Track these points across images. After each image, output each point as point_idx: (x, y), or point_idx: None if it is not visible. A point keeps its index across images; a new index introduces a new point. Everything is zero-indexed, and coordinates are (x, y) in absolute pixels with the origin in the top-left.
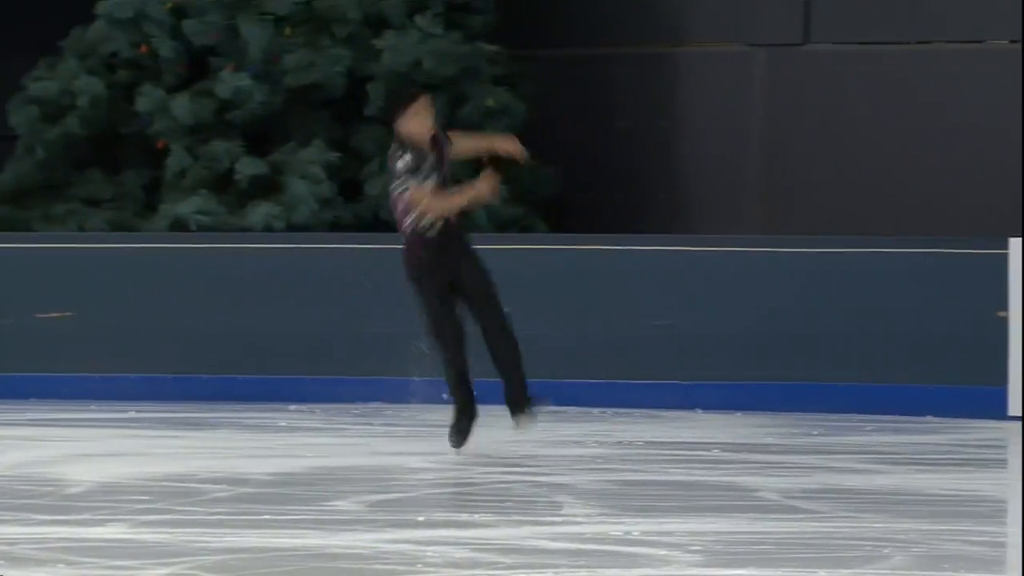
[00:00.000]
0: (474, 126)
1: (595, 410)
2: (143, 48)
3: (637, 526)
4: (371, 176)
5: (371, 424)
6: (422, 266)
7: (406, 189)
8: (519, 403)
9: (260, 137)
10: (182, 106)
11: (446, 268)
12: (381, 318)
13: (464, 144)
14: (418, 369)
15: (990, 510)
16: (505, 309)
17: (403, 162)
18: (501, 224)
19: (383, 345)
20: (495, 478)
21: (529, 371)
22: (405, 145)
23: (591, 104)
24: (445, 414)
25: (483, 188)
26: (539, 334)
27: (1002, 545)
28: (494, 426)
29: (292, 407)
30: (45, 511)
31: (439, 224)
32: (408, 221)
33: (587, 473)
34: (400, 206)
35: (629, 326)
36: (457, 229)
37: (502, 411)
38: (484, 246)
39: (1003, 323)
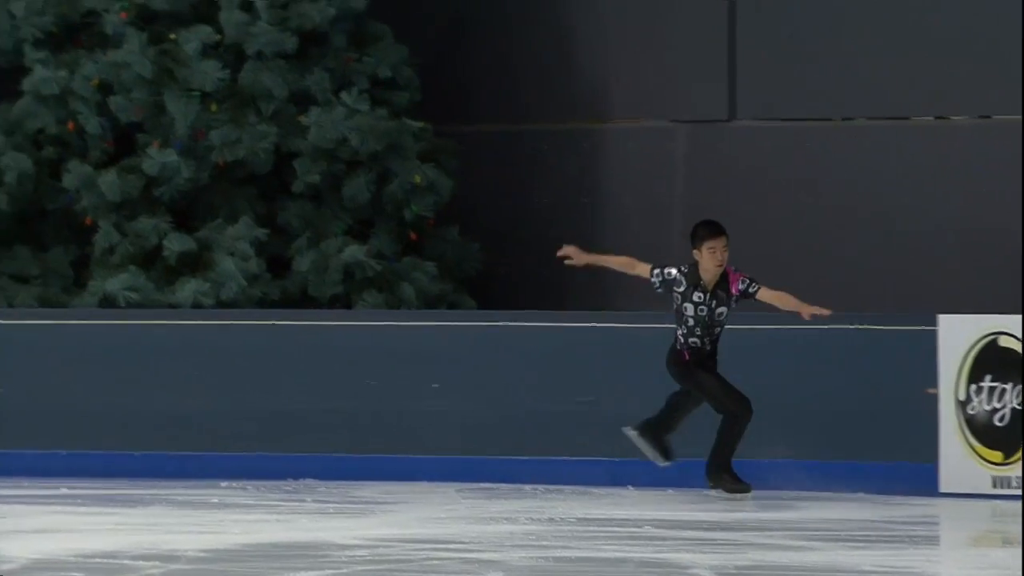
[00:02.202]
0: (400, 202)
1: (526, 486)
2: (70, 124)
3: None
4: (298, 252)
5: (303, 500)
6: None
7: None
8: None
9: (187, 213)
10: (109, 182)
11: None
12: (311, 395)
13: (771, 296)
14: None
15: None
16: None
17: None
18: (428, 300)
19: (315, 421)
20: (426, 555)
21: (453, 447)
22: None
23: (515, 180)
24: (375, 490)
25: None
26: (467, 410)
27: None
28: (425, 503)
29: (223, 483)
30: None
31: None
32: (680, 331)
33: (519, 550)
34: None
35: (556, 402)
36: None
37: (432, 488)
38: (410, 322)
39: (933, 399)
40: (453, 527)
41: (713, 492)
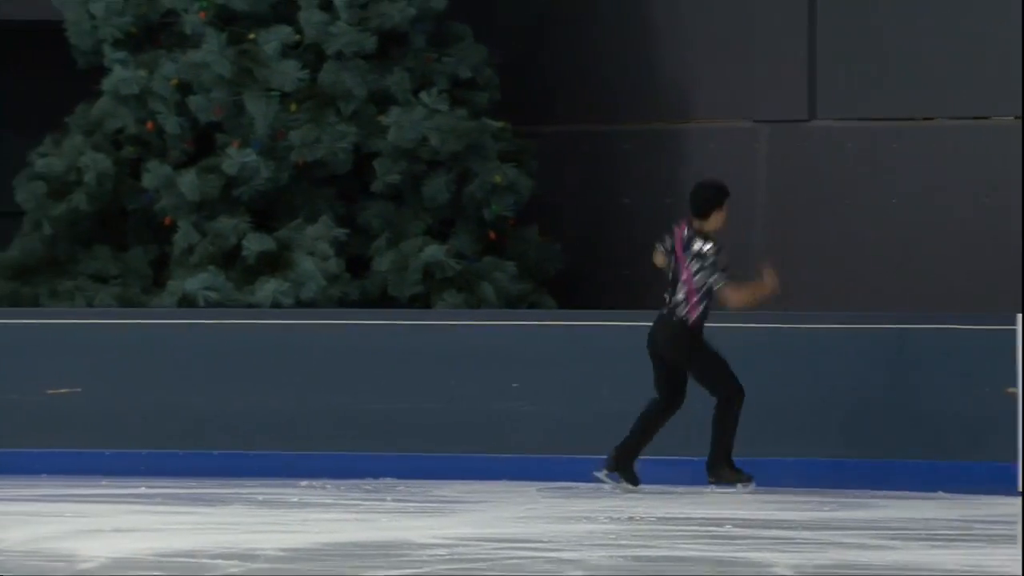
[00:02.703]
0: (480, 202)
1: (606, 485)
2: (149, 124)
3: None
4: (378, 252)
5: (382, 499)
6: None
7: (713, 281)
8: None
9: (266, 213)
10: (188, 182)
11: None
12: (390, 394)
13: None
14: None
15: None
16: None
17: (712, 255)
18: (508, 300)
19: (394, 420)
20: (505, 554)
21: (533, 446)
22: (708, 238)
23: (596, 180)
24: (455, 490)
25: (770, 285)
26: (547, 409)
27: None
28: (505, 502)
29: (303, 482)
30: None
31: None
32: (700, 309)
33: (598, 549)
34: (696, 293)
35: (636, 401)
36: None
37: (512, 487)
38: (492, 322)
39: (1012, 399)
40: (533, 526)
41: (717, 488)
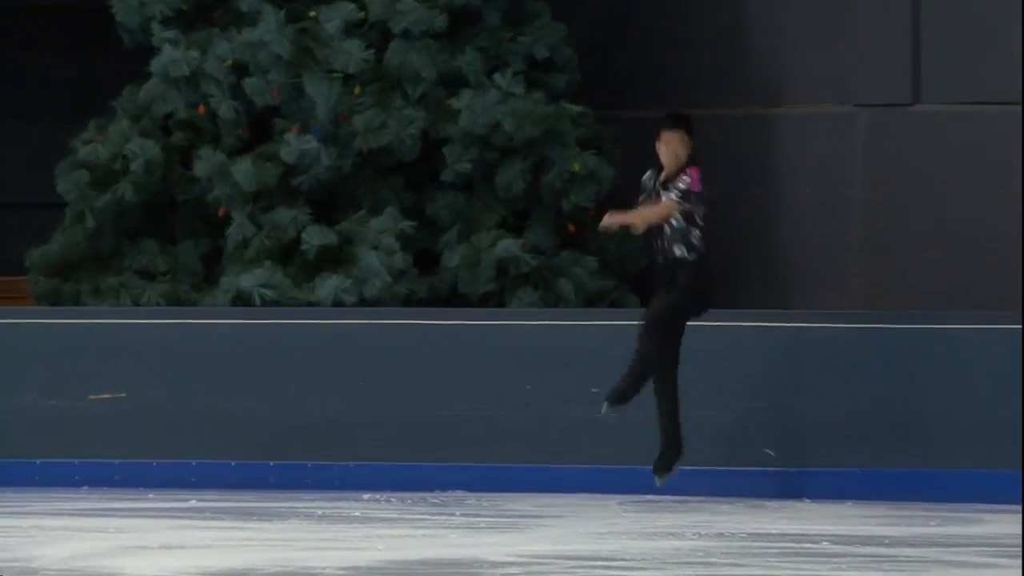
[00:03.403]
0: (557, 193)
1: (693, 499)
2: (201, 108)
3: None
4: (448, 246)
5: (451, 514)
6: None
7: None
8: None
9: (327, 204)
10: (243, 171)
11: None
12: (460, 399)
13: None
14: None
15: None
16: None
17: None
18: (588, 298)
19: (465, 428)
20: (584, 572)
21: (614, 456)
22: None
23: None
24: (530, 503)
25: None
26: (629, 416)
27: None
28: (583, 517)
29: (366, 495)
30: None
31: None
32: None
33: (685, 567)
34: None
35: (724, 408)
36: None
37: (591, 500)
38: (571, 321)
39: None
40: (614, 543)
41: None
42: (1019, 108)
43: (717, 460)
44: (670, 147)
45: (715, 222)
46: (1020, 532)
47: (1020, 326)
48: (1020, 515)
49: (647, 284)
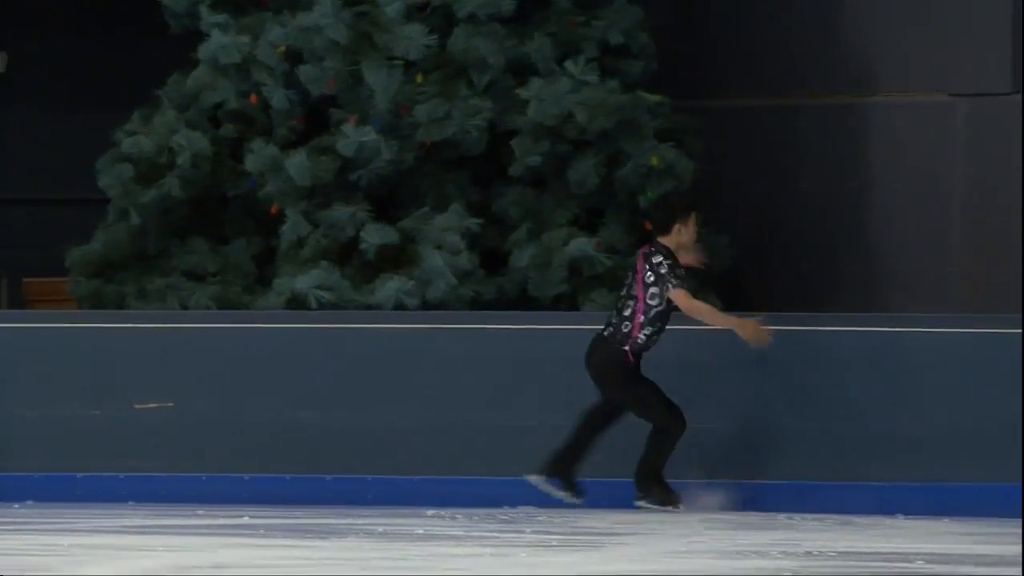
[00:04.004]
0: (633, 188)
1: (780, 515)
2: (252, 98)
3: None
4: (516, 245)
5: (521, 531)
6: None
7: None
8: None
9: (388, 200)
10: (298, 165)
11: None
12: (531, 408)
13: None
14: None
15: None
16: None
17: (666, 266)
18: None
19: (535, 439)
20: None
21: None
22: (668, 253)
23: (769, 162)
24: (605, 520)
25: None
26: (709, 426)
27: None
28: (662, 534)
29: (429, 512)
30: None
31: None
32: (644, 333)
33: None
34: (644, 312)
35: (810, 417)
36: None
37: (671, 517)
38: None
39: None
40: (695, 562)
41: (642, 503)
42: None
43: (804, 474)
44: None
45: (803, 220)
46: None
47: (1020, 329)
48: None
49: (730, 285)
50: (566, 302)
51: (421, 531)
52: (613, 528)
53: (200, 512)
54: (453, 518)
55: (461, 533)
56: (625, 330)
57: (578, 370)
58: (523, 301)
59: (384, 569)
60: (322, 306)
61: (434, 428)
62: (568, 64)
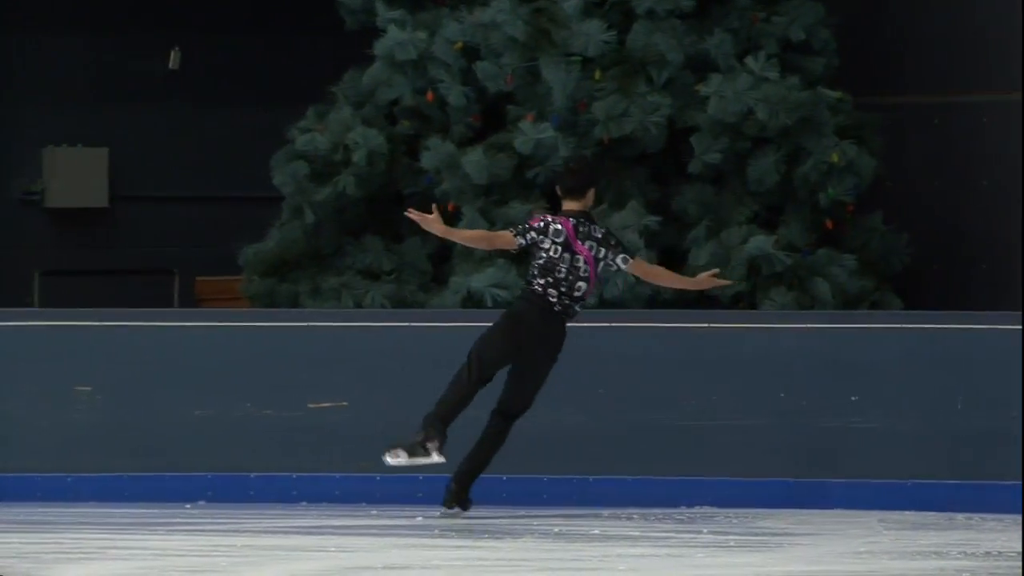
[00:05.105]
0: (814, 185)
1: (959, 515)
2: (428, 95)
3: None
4: (695, 243)
5: (698, 532)
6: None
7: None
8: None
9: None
10: (475, 162)
11: None
12: (709, 406)
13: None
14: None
15: None
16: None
17: (614, 236)
18: (847, 299)
19: (713, 438)
20: None
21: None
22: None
23: (951, 159)
24: (783, 520)
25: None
26: (893, 426)
27: None
28: (840, 535)
29: (606, 512)
30: None
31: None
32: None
33: None
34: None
35: (991, 417)
36: None
37: (849, 517)
38: (826, 324)
39: None
40: (873, 563)
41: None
42: None
43: (987, 472)
44: None
45: (986, 218)
46: None
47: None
48: None
49: (911, 284)
50: (744, 301)
51: (597, 531)
52: (790, 528)
53: (374, 512)
54: (629, 518)
55: (637, 533)
56: (578, 308)
57: (756, 370)
58: (701, 300)
59: (560, 570)
60: (498, 305)
61: (609, 428)
62: (748, 60)
